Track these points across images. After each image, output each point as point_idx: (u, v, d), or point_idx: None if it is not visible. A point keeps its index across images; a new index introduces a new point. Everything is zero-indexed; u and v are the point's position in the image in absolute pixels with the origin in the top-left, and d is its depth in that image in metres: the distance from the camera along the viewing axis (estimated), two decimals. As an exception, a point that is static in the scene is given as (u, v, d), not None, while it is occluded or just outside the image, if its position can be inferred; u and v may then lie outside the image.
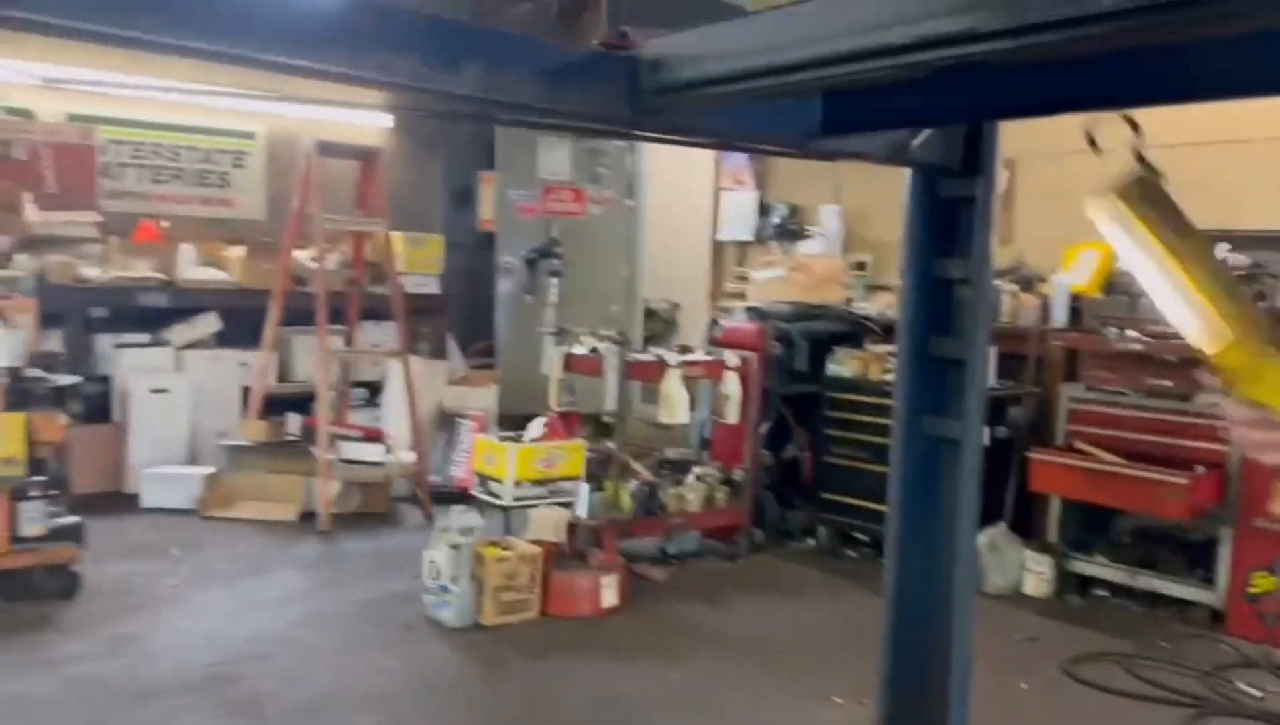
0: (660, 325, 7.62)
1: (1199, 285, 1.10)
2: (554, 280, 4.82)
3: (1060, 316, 4.87)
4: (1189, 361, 3.90)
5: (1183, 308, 1.11)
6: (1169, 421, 4.11)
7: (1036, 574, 4.44)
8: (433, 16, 2.20)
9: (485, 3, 7.85)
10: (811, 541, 5.17)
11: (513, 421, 5.12)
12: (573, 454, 4.37)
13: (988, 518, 4.49)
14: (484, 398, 6.15)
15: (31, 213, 5.68)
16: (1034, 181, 5.29)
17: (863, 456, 4.85)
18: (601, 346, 4.51)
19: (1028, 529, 4.63)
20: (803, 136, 2.34)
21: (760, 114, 2.39)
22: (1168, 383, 4.05)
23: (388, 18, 2.14)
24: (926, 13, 1.62)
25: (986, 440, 4.53)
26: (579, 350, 4.60)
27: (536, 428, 4.49)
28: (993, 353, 4.73)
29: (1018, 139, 4.89)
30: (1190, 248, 1.13)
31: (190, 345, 5.97)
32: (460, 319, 7.33)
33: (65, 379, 4.20)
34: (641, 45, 2.46)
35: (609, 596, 4.12)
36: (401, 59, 2.08)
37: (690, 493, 4.75)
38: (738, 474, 4.93)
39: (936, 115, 2.25)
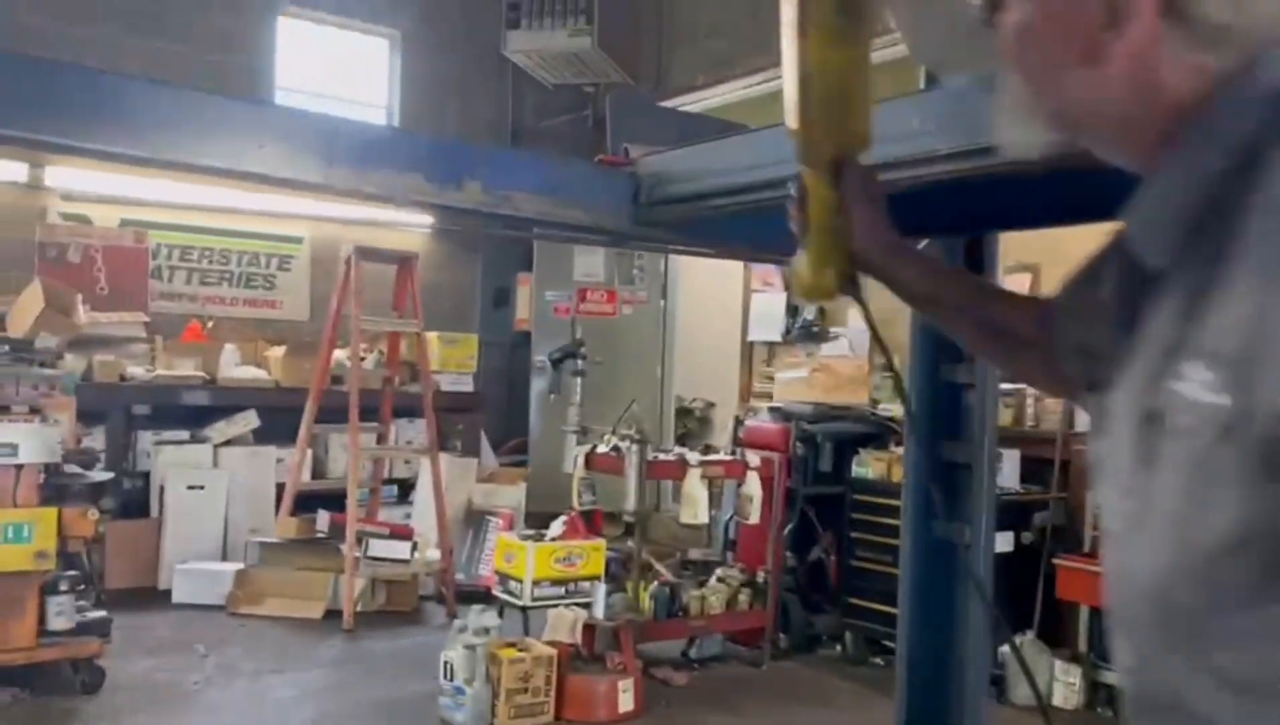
0: (694, 423, 7.67)
1: (805, 69, 1.22)
2: (577, 380, 4.90)
3: (1086, 420, 4.81)
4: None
5: (789, 79, 1.25)
6: None
7: (1066, 684, 4.32)
8: (437, 137, 2.33)
9: (525, 115, 8.17)
10: (838, 647, 5.08)
11: (541, 519, 5.15)
12: (592, 553, 4.37)
13: (1015, 626, 4.39)
14: (513, 495, 6.19)
15: (82, 314, 5.92)
16: (1058, 284, 5.30)
17: (888, 560, 4.78)
18: (623, 445, 4.55)
19: (1056, 638, 4.52)
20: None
21: (757, 224, 2.47)
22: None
23: (392, 139, 2.27)
24: (901, 132, 1.69)
25: (1011, 546, 4.50)
26: (601, 449, 4.64)
27: (557, 527, 4.51)
28: (1016, 457, 4.69)
29: (1040, 243, 4.94)
30: (834, 44, 1.25)
31: (229, 442, 6.11)
32: (495, 416, 7.44)
33: (100, 475, 4.33)
34: (640, 161, 2.57)
35: (625, 701, 4.07)
36: (405, 177, 2.20)
37: (712, 595, 4.72)
38: (761, 576, 4.89)
39: (932, 226, 2.31)
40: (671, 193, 2.36)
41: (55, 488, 4.01)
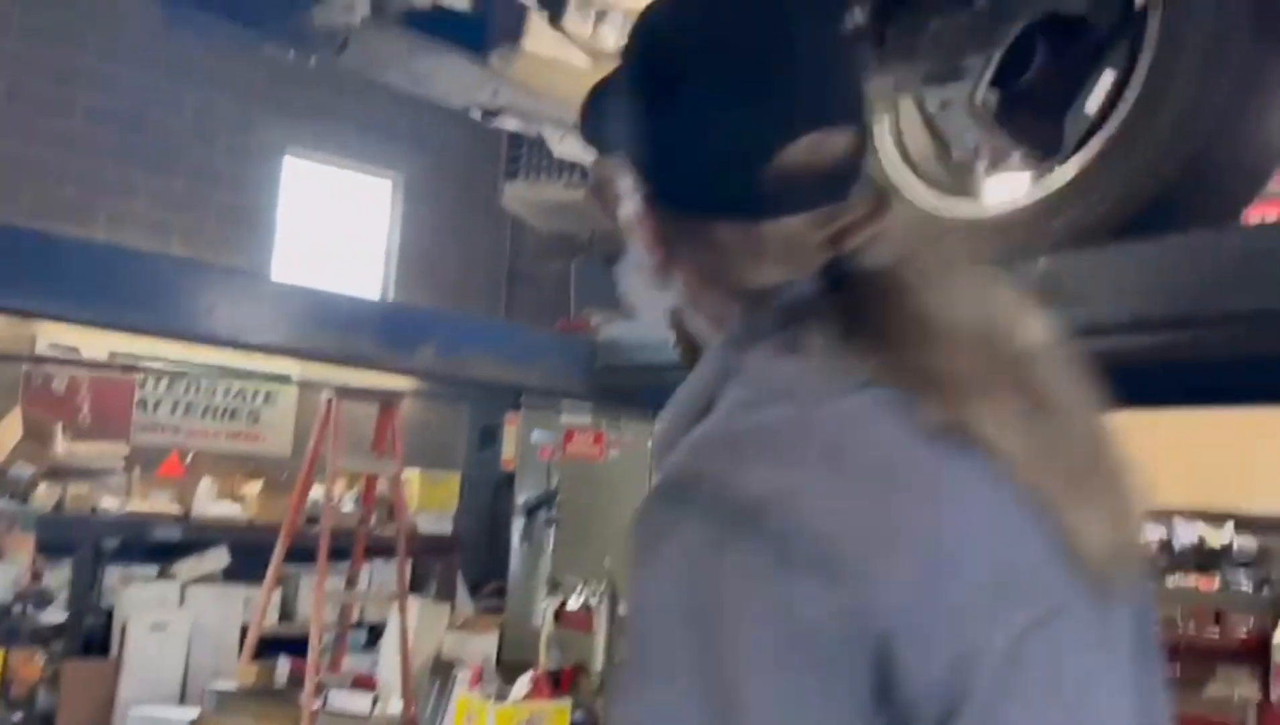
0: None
1: None
2: (550, 529, 4.82)
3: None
4: (1201, 652, 3.73)
5: None
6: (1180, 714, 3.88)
7: None
8: (391, 303, 2.34)
9: (521, 259, 8.30)
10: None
11: (516, 669, 4.97)
12: (556, 716, 4.20)
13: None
14: (485, 644, 6.00)
15: (61, 443, 5.88)
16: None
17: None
18: (594, 601, 4.44)
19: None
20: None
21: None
22: (1174, 676, 3.85)
23: (343, 304, 2.28)
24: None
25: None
26: (572, 603, 4.52)
27: (522, 685, 4.35)
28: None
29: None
30: None
31: (198, 579, 5.98)
32: (475, 558, 7.29)
33: (54, 616, 4.21)
34: (599, 328, 2.57)
35: None
36: (357, 341, 2.20)
37: (682, 763, 4.50)
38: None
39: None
40: (627, 360, 2.35)
41: (4, 629, 3.90)
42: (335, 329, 2.14)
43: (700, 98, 0.78)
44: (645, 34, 0.85)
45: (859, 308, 0.74)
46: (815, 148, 0.77)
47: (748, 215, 0.78)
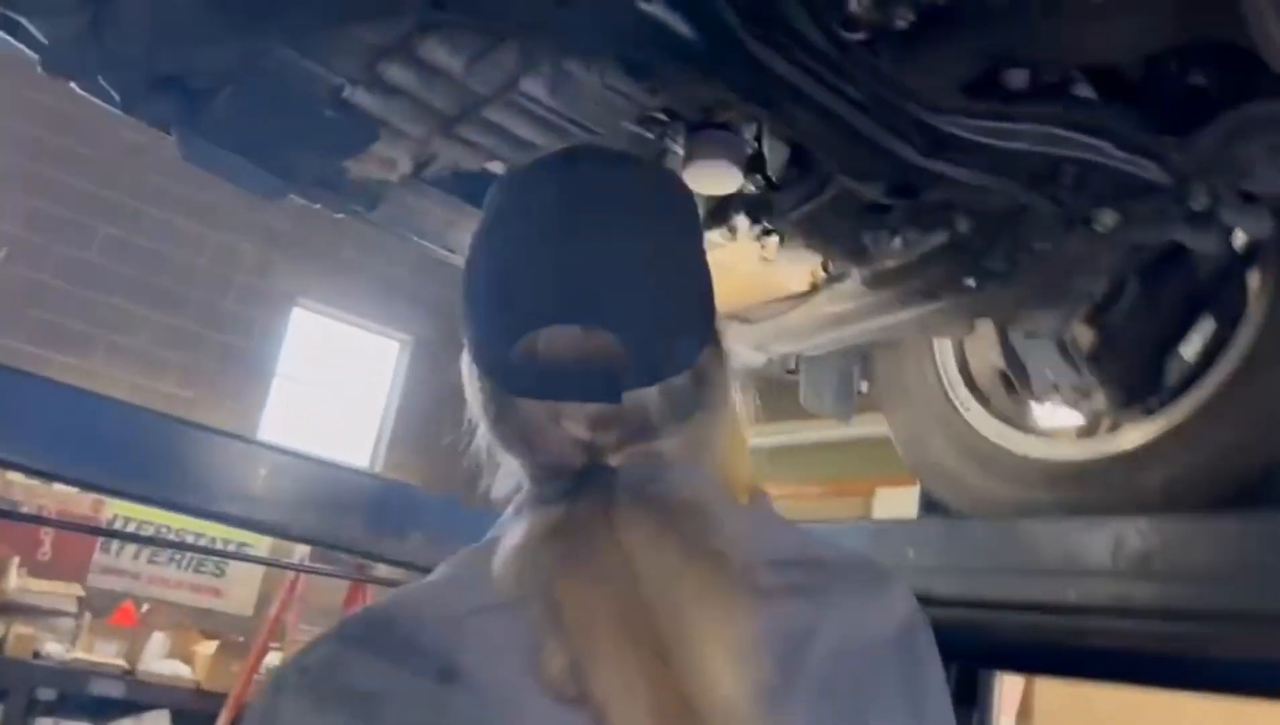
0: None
1: None
2: None
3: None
4: None
5: None
6: None
7: None
8: (383, 481, 2.13)
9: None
10: None
11: None
12: None
13: None
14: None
15: (14, 578, 5.55)
16: (1055, 700, 4.92)
17: None
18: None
19: None
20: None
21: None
22: None
23: (332, 477, 2.07)
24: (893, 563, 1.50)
25: None
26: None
27: None
28: None
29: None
30: None
31: (131, 744, 5.51)
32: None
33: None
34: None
35: None
36: (341, 520, 1.98)
37: None
38: None
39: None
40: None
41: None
42: (322, 507, 1.94)
43: (472, 280, 0.86)
44: None
45: (566, 528, 0.73)
46: (573, 343, 0.78)
47: (504, 386, 0.81)
